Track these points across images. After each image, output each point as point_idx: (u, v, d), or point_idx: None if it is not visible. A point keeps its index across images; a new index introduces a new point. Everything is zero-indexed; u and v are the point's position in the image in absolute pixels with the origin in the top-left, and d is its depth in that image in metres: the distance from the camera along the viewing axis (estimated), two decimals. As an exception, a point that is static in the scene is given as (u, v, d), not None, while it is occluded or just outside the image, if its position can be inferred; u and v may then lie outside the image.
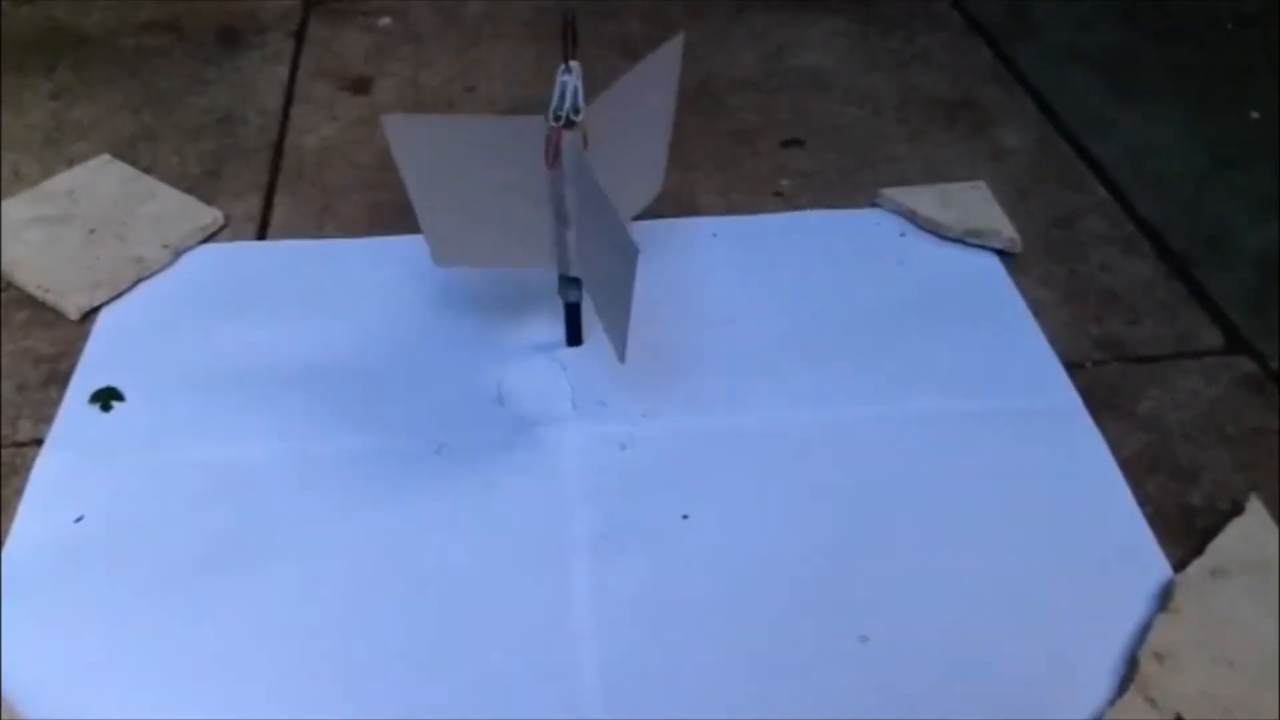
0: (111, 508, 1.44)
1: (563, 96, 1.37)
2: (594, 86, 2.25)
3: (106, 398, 1.58)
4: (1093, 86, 2.29)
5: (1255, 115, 2.19)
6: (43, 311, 1.73)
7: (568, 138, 1.39)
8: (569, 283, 1.58)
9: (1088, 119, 2.19)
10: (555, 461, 1.49)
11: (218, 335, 1.69)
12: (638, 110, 1.53)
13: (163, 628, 1.30)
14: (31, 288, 1.74)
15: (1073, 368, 1.63)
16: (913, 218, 1.89)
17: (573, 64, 1.38)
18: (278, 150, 2.10)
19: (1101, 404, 1.57)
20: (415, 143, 1.42)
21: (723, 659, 1.27)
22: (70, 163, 2.03)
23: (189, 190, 1.96)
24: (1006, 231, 1.84)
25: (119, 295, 1.75)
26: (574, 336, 1.66)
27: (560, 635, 1.29)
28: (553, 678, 1.25)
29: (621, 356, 1.48)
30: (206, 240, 1.87)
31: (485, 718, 1.21)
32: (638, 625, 1.30)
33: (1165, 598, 1.31)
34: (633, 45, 2.41)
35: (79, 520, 1.42)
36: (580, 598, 1.33)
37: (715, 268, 1.80)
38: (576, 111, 1.38)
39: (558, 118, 1.38)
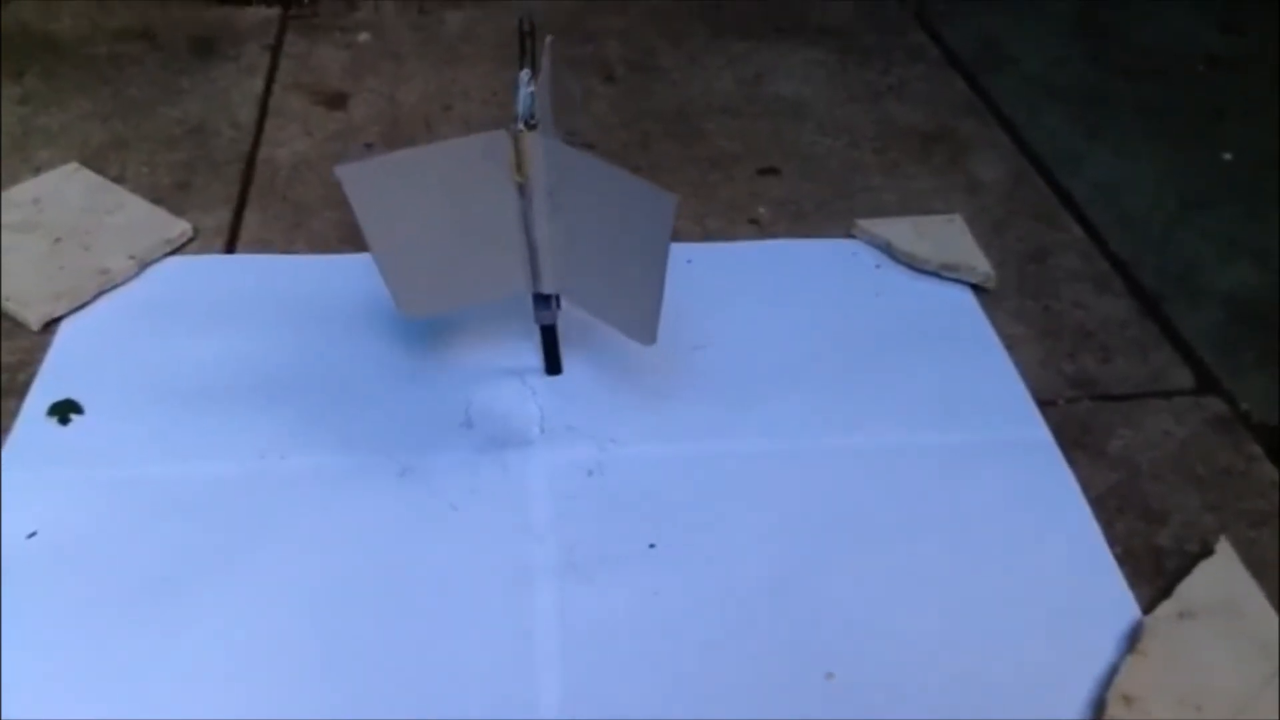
0: (65, 524, 1.40)
1: (524, 102, 1.35)
2: (574, 109, 2.25)
3: (65, 410, 1.55)
4: (1066, 122, 2.31)
5: (1228, 157, 2.21)
6: (3, 320, 1.69)
7: (531, 139, 1.36)
8: (543, 302, 1.56)
9: (1061, 154, 2.20)
10: (521, 487, 1.47)
11: (181, 349, 1.66)
12: (614, 214, 1.41)
13: (112, 648, 1.27)
14: (-8, 296, 1.71)
15: (1045, 405, 1.62)
16: (888, 249, 1.89)
17: (526, 72, 1.36)
18: (250, 163, 2.07)
19: (1072, 442, 1.57)
20: (372, 188, 1.35)
21: (685, 691, 1.25)
22: (37, 170, 2.00)
23: (158, 201, 1.93)
24: (982, 266, 1.84)
25: (82, 306, 1.72)
26: (553, 364, 1.64)
27: (521, 664, 1.26)
28: (512, 707, 1.23)
29: (653, 336, 1.47)
30: (174, 252, 1.84)
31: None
32: (600, 655, 1.28)
33: (1133, 639, 1.30)
34: (610, 67, 2.40)
35: (31, 536, 1.38)
36: (543, 626, 1.30)
37: (689, 294, 1.78)
38: (532, 116, 1.36)
39: (525, 123, 1.35)
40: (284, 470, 1.48)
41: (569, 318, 1.62)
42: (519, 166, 1.39)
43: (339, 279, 1.80)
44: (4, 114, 2.16)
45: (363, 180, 1.33)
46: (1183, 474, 1.54)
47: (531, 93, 1.35)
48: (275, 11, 2.56)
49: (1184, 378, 1.70)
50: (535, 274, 1.51)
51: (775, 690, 1.25)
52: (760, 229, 1.97)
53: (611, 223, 1.41)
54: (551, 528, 1.42)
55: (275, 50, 2.42)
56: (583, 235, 1.46)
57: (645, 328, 1.49)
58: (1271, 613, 1.33)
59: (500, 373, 1.62)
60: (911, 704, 1.25)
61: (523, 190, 1.41)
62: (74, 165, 2.00)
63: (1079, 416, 1.62)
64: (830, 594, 1.36)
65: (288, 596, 1.33)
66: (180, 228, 1.86)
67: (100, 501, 1.43)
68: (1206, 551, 1.42)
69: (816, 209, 2.02)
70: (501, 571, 1.36)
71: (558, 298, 1.56)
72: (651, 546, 1.40)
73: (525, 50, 1.38)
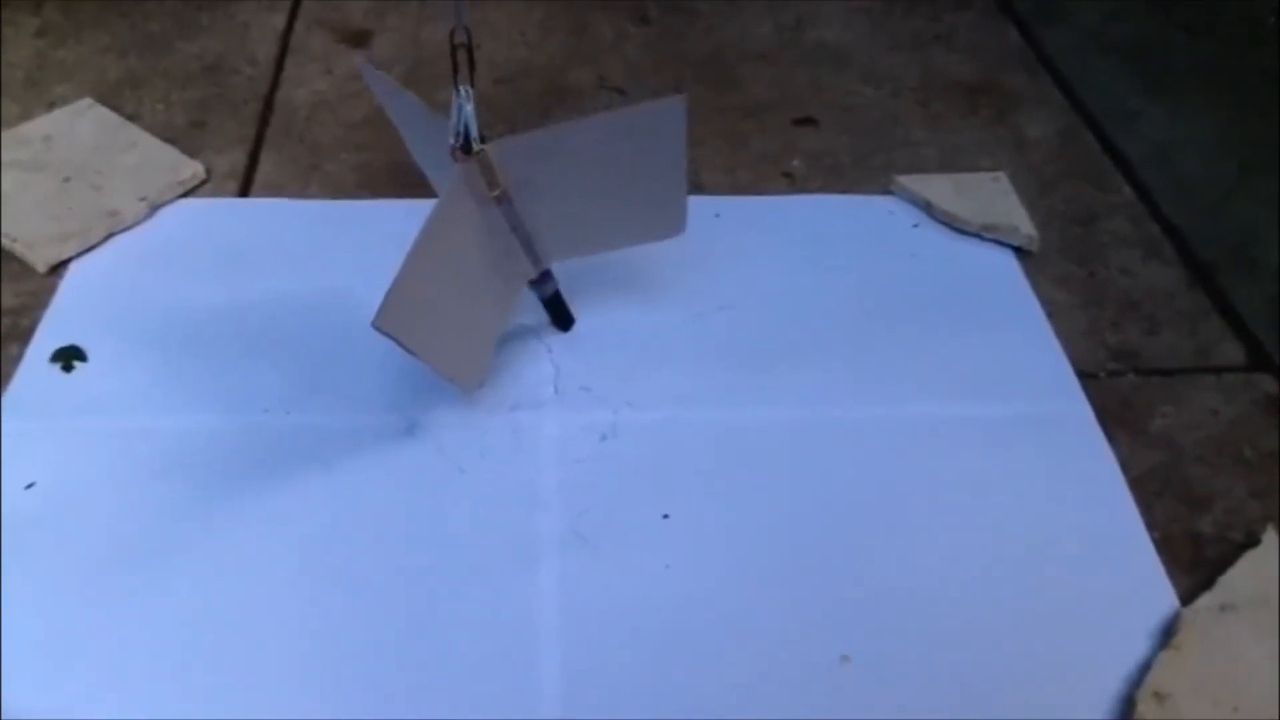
0: (65, 475, 1.37)
1: (467, 121, 1.31)
2: (605, 51, 2.17)
3: (68, 357, 1.51)
4: (1122, 77, 2.19)
5: (1294, 117, 2.09)
6: (9, 262, 1.65)
7: (494, 151, 1.34)
8: (540, 279, 1.52)
9: (1115, 111, 2.09)
10: (532, 450, 1.42)
11: (189, 296, 1.61)
12: (624, 154, 1.43)
13: (107, 603, 1.24)
14: (-1, 236, 1.67)
15: (1086, 377, 1.54)
16: (927, 208, 1.80)
17: (464, 89, 1.31)
18: (267, 103, 2.01)
19: (1113, 418, 1.49)
20: (412, 316, 1.29)
21: (691, 671, 1.20)
22: (51, 105, 1.95)
23: (172, 141, 1.88)
24: (1025, 228, 1.74)
25: (90, 249, 1.67)
26: (564, 320, 1.58)
27: (523, 636, 1.22)
28: (512, 679, 1.18)
29: (682, 225, 1.51)
30: (186, 195, 1.79)
31: (438, 717, 1.15)
32: (605, 631, 1.23)
33: (1168, 633, 1.23)
34: (644, 8, 2.31)
35: (29, 487, 1.35)
36: (547, 598, 1.26)
37: (716, 250, 1.71)
38: (480, 139, 1.33)
39: (465, 145, 1.32)
40: (287, 426, 1.44)
41: (585, 276, 1.56)
42: (491, 183, 1.35)
43: (354, 225, 1.75)
44: (21, 46, 2.11)
45: (402, 313, 1.26)
46: (1229, 456, 1.46)
47: (472, 110, 1.31)
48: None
49: (1234, 353, 1.61)
50: (534, 259, 1.48)
51: (786, 673, 1.20)
52: (793, 183, 1.89)
53: (611, 160, 1.41)
54: (560, 495, 1.36)
55: (300, -17, 2.35)
56: (577, 193, 1.43)
57: (673, 220, 1.51)
58: (1319, 609, 1.26)
59: (515, 330, 1.56)
60: (929, 693, 1.19)
61: (500, 199, 1.37)
62: (88, 101, 1.95)
63: (1121, 391, 1.54)
64: (850, 573, 1.30)
65: (287, 556, 1.29)
66: (193, 169, 1.81)
67: (100, 453, 1.40)
68: (1251, 541, 1.34)
69: (854, 163, 1.93)
70: (506, 539, 1.32)
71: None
72: (665, 518, 1.35)
73: (459, 66, 1.31)
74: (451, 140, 1.32)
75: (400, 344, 1.27)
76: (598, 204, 1.46)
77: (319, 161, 1.88)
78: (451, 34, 1.32)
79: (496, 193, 1.36)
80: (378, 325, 1.22)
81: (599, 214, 1.48)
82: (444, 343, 1.37)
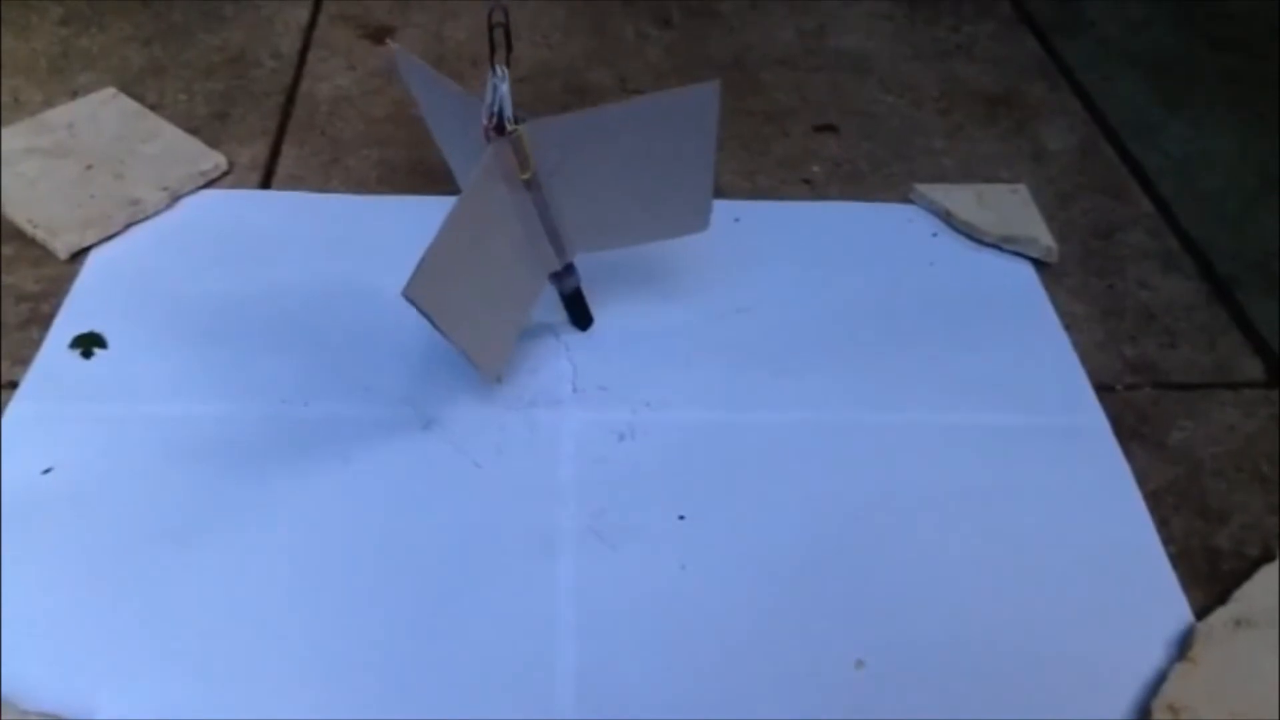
0: (82, 461, 1.37)
1: (503, 101, 1.31)
2: (627, 53, 2.17)
3: (88, 344, 1.51)
4: (1143, 89, 2.19)
5: (1315, 134, 2.08)
6: (30, 248, 1.65)
7: (527, 133, 1.34)
8: (566, 270, 1.52)
9: (1135, 124, 2.08)
10: (549, 448, 1.42)
11: (209, 286, 1.61)
12: (654, 141, 1.43)
13: (123, 589, 1.23)
14: (20, 221, 1.67)
15: (1103, 390, 1.54)
16: (947, 218, 1.80)
17: (500, 68, 1.30)
18: (290, 96, 2.01)
19: (1130, 431, 1.49)
20: (441, 291, 1.29)
21: (705, 674, 1.20)
22: (74, 93, 1.95)
23: (194, 131, 1.88)
24: (1044, 240, 1.74)
25: (111, 237, 1.68)
26: (584, 319, 1.58)
27: (537, 634, 1.22)
28: (526, 676, 1.18)
29: (706, 221, 1.52)
30: (207, 185, 1.79)
31: (450, 716, 1.14)
32: (620, 630, 1.23)
33: (1184, 646, 1.23)
34: (667, 11, 2.32)
35: (47, 472, 1.35)
36: (562, 597, 1.25)
37: (735, 253, 1.71)
38: (514, 120, 1.32)
39: (498, 125, 1.32)
40: (305, 416, 1.44)
41: (604, 276, 1.56)
42: (523, 165, 1.35)
43: (374, 221, 1.75)
44: (44, 34, 2.11)
45: (432, 286, 1.26)
46: (1247, 471, 1.45)
47: (508, 89, 1.30)
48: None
49: (1253, 369, 1.61)
50: (559, 250, 1.48)
51: (800, 677, 1.20)
52: (813, 189, 1.89)
53: (641, 148, 1.40)
54: (577, 493, 1.36)
55: (323, -23, 2.35)
56: (606, 182, 1.43)
57: (697, 217, 1.51)
58: (1335, 626, 1.26)
59: (533, 327, 1.56)
60: (943, 700, 1.19)
61: (530, 184, 1.38)
62: (111, 90, 1.95)
63: (1138, 404, 1.54)
64: (865, 578, 1.30)
65: (301, 546, 1.29)
66: (215, 160, 1.81)
67: (119, 439, 1.40)
68: (1268, 556, 1.34)
69: (873, 170, 1.93)
70: (523, 536, 1.31)
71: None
72: (681, 518, 1.34)
73: (496, 46, 1.31)
74: (485, 120, 1.32)
75: (427, 317, 1.26)
76: (626, 193, 1.46)
77: (340, 156, 1.88)
78: (489, 14, 1.32)
79: (527, 176, 1.36)
80: (407, 294, 1.22)
81: (626, 204, 1.48)
82: (469, 323, 1.36)
